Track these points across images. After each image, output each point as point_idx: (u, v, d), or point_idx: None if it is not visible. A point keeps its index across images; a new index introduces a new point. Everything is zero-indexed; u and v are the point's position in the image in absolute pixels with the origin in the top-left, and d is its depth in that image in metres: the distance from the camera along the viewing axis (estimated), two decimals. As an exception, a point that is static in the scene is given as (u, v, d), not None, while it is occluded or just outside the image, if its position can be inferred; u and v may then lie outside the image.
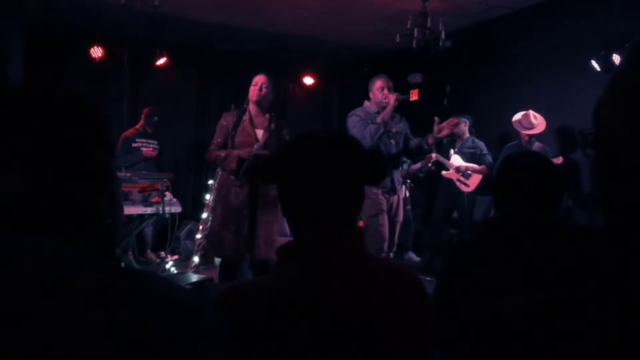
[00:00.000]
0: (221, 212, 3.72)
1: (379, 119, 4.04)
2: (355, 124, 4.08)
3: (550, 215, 1.29)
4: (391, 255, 4.22)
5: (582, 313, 0.53)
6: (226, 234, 3.66)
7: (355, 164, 1.03)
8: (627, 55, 0.57)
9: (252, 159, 3.52)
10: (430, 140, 4.12)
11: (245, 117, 3.74)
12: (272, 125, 3.77)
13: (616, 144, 0.54)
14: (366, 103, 4.23)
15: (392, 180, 4.11)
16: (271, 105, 3.86)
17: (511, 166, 1.43)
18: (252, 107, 3.77)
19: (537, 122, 5.22)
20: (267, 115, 3.78)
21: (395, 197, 4.18)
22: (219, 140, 3.76)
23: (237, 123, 3.73)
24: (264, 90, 3.74)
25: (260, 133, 3.72)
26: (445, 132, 4.06)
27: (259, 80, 3.76)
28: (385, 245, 4.02)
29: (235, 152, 3.63)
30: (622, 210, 0.55)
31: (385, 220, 4.03)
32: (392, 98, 4.04)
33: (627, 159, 0.53)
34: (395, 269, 1.06)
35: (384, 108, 4.08)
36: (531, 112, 5.24)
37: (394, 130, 4.13)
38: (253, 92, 3.74)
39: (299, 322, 0.92)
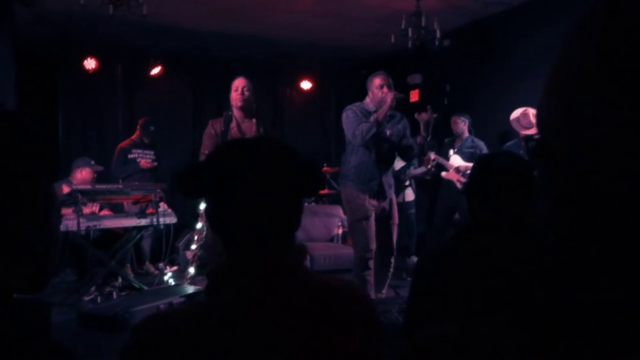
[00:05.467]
0: None
1: (372, 118, 3.73)
2: (349, 118, 3.80)
3: (525, 219, 1.18)
4: (392, 261, 3.97)
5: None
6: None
7: (288, 174, 0.93)
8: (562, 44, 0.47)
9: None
10: (419, 140, 3.94)
11: (233, 125, 3.65)
12: (261, 130, 3.69)
13: (559, 151, 0.44)
14: (366, 99, 3.92)
15: (381, 185, 3.86)
16: (257, 109, 3.76)
17: (482, 169, 1.32)
18: (237, 113, 3.67)
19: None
20: (254, 120, 3.69)
21: (387, 201, 3.91)
22: (211, 149, 3.64)
23: (225, 131, 3.62)
24: (246, 93, 3.64)
25: None
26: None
27: (239, 84, 3.65)
28: (372, 251, 3.78)
29: None
30: (571, 229, 0.45)
31: (371, 225, 3.79)
32: (389, 97, 3.73)
33: (572, 169, 0.43)
34: (341, 289, 0.96)
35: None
36: (530, 111, 5.00)
37: (388, 133, 3.85)
38: (235, 97, 3.64)
39: (230, 354, 0.82)
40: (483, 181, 1.29)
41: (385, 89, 3.80)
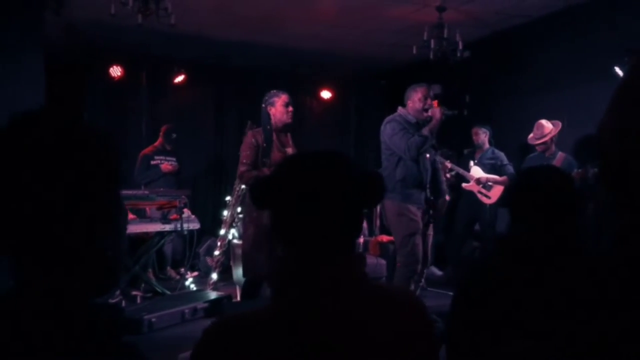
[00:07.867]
0: (253, 233, 3.62)
1: (425, 131, 3.78)
2: (396, 131, 3.81)
3: (567, 231, 1.22)
4: (425, 271, 4.02)
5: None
6: (259, 256, 3.55)
7: (351, 185, 0.98)
8: (628, 70, 0.49)
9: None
10: (424, 132, 3.81)
11: (274, 138, 3.71)
12: (296, 142, 3.78)
13: (626, 175, 0.45)
14: (401, 110, 3.96)
15: (426, 195, 3.92)
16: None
17: (525, 181, 1.37)
18: (279, 127, 3.71)
19: (548, 127, 5.00)
20: (289, 134, 3.78)
21: (429, 212, 3.95)
22: (252, 159, 3.66)
23: (268, 145, 3.66)
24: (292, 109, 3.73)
25: (289, 151, 3.71)
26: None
27: (288, 99, 3.69)
28: (419, 266, 3.81)
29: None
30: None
31: (420, 239, 3.82)
32: (437, 112, 3.80)
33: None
34: (399, 297, 1.01)
35: (427, 120, 3.86)
36: (543, 122, 5.04)
37: (427, 156, 3.90)
38: (286, 113, 3.68)
39: (299, 354, 0.87)
40: (522, 195, 1.34)
41: (429, 101, 3.86)
